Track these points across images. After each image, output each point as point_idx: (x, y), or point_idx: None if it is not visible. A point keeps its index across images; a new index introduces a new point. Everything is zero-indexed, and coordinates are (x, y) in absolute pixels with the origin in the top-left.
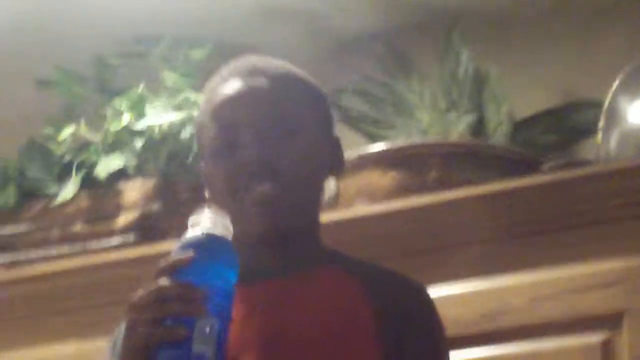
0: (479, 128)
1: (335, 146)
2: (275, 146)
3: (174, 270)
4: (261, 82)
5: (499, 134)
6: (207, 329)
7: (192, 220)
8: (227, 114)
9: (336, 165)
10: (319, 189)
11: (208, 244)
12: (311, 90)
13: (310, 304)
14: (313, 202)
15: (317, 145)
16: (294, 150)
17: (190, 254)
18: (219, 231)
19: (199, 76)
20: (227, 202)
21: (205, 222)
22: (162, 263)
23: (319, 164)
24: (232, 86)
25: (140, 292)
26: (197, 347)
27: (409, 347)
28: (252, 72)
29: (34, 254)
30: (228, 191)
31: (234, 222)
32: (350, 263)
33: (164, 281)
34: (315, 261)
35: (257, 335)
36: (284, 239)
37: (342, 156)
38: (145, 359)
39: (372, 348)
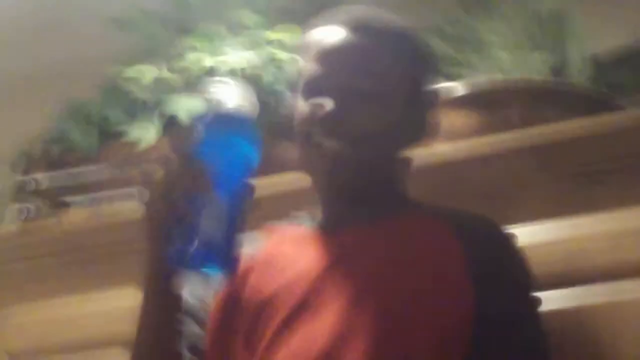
0: (560, 68)
1: (424, 114)
2: (353, 105)
3: (186, 148)
4: (358, 39)
5: (580, 75)
6: (215, 205)
7: (213, 90)
8: (318, 63)
9: (419, 133)
10: (396, 149)
11: (223, 119)
12: (412, 54)
13: (398, 246)
14: (386, 161)
15: (399, 111)
16: (370, 113)
17: (199, 131)
18: (239, 104)
19: (278, 15)
20: (300, 145)
21: (224, 95)
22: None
23: (397, 129)
24: (331, 37)
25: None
26: (204, 222)
27: (495, 286)
28: (355, 26)
29: (114, 196)
30: (301, 137)
31: (306, 166)
32: (435, 210)
33: (173, 160)
34: (397, 211)
35: (347, 281)
36: (354, 192)
37: (429, 125)
38: (163, 236)
39: (465, 281)
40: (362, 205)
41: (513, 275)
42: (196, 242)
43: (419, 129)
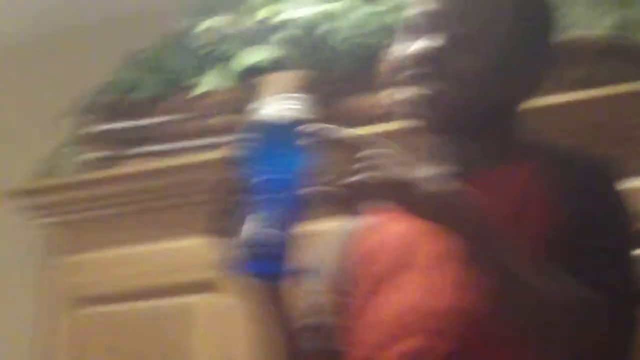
0: (625, 26)
1: (540, 65)
2: (455, 48)
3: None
4: None
5: None
6: (255, 220)
7: (261, 104)
8: (428, 4)
9: (533, 84)
10: (507, 97)
11: (264, 134)
12: (529, 3)
13: (496, 195)
14: (491, 105)
15: (506, 58)
16: (476, 57)
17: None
18: (284, 115)
19: None
20: (401, 87)
21: (269, 107)
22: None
23: (504, 75)
24: None
25: None
26: (254, 230)
27: (579, 215)
28: None
29: (171, 146)
30: (395, 75)
31: (408, 109)
32: (548, 154)
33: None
34: (506, 157)
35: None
36: (458, 136)
37: (544, 77)
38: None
39: (546, 222)
40: (469, 154)
41: (589, 202)
42: (247, 250)
43: (534, 79)
